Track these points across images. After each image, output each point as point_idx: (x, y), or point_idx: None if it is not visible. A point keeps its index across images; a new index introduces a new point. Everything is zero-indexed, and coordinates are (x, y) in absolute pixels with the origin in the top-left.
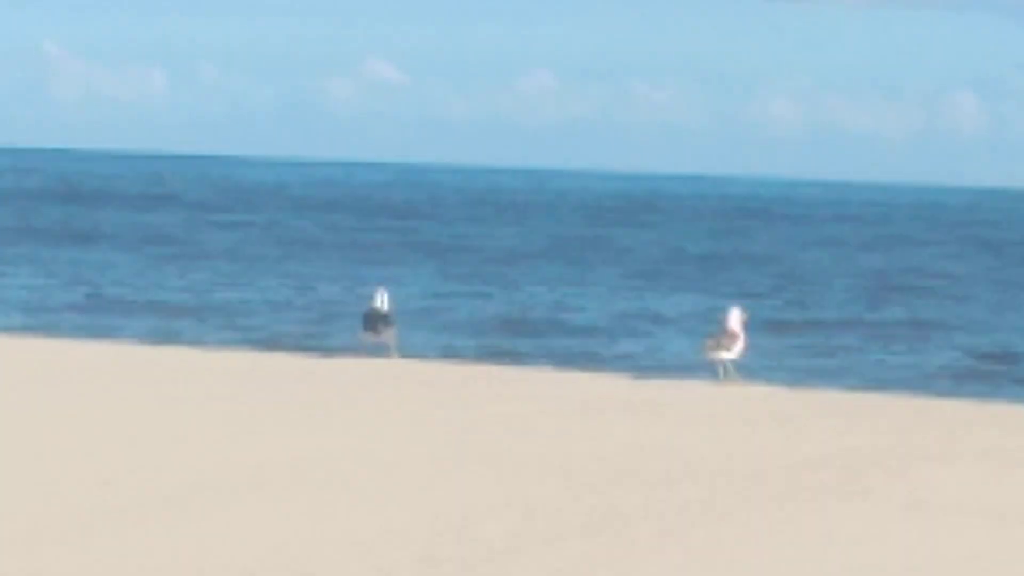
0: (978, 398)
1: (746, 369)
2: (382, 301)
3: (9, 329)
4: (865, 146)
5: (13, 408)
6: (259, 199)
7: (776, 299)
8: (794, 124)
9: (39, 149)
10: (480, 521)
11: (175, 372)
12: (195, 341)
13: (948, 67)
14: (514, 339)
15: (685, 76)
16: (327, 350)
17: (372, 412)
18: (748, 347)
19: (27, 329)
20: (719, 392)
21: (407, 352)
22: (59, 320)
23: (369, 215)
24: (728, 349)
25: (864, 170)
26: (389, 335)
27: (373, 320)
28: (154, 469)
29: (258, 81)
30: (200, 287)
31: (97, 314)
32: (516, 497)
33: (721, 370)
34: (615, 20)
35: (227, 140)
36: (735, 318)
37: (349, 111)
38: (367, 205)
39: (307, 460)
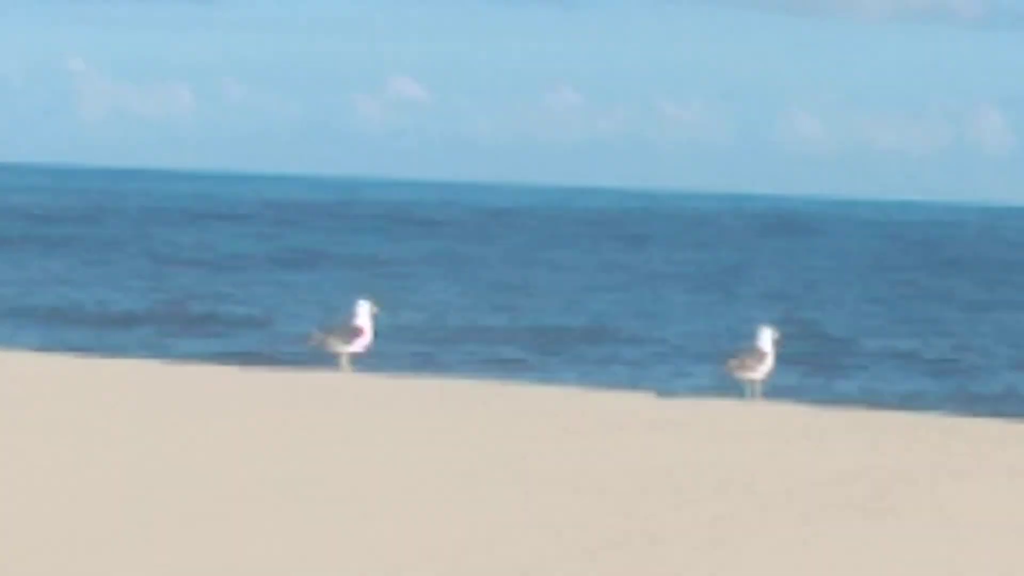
0: (1005, 416)
1: (769, 387)
2: (364, 314)
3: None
4: (892, 164)
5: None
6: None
7: (795, 317)
8: (820, 141)
9: (67, 167)
10: (508, 538)
11: (177, 388)
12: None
13: (975, 85)
14: (539, 353)
15: (711, 94)
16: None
17: (393, 428)
18: (775, 367)
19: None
20: (744, 410)
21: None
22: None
23: (396, 229)
24: (753, 369)
25: (891, 188)
26: (349, 348)
27: (348, 331)
28: (173, 485)
29: (283, 99)
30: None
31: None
32: (543, 514)
33: (747, 389)
34: (640, 38)
35: (253, 157)
36: (765, 338)
37: (374, 129)
38: (396, 220)
39: (330, 476)
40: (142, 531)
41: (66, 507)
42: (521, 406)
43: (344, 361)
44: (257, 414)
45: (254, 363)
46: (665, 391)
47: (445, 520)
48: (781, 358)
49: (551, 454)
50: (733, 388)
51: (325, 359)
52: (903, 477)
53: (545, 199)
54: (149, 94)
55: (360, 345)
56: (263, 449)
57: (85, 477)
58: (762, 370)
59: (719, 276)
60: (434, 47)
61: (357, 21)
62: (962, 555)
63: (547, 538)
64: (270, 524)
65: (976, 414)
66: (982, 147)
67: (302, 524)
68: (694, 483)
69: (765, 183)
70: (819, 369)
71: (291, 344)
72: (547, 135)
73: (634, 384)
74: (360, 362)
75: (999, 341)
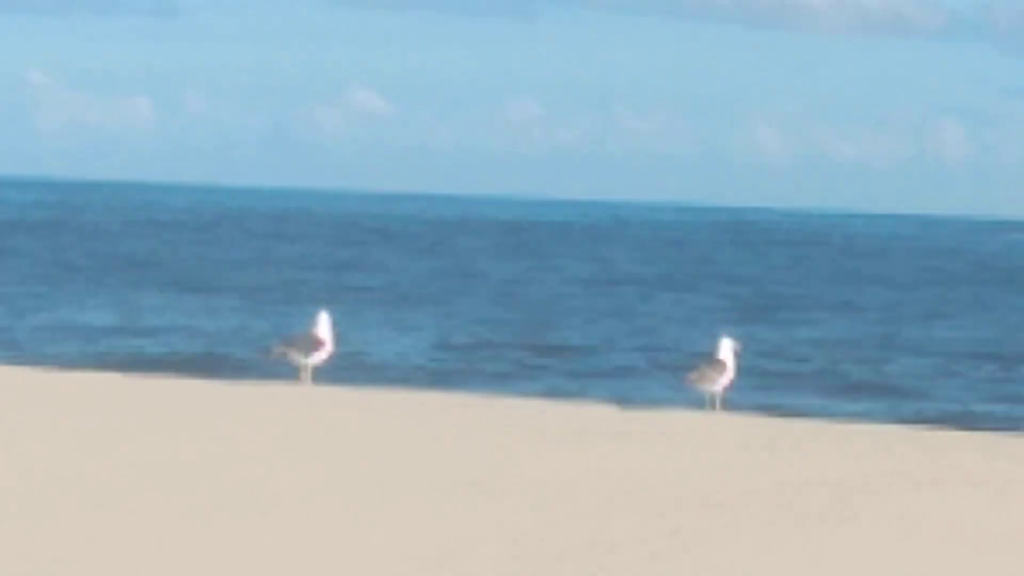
0: (965, 426)
1: (730, 398)
2: (324, 326)
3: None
4: (852, 175)
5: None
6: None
7: (756, 328)
8: (781, 153)
9: (26, 179)
10: (468, 548)
11: (136, 400)
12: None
13: (935, 96)
14: (500, 363)
15: (672, 106)
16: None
17: (355, 440)
18: (735, 378)
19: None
20: (705, 420)
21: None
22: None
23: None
24: (713, 380)
25: (851, 199)
26: (310, 360)
27: (308, 342)
28: (136, 501)
29: (244, 111)
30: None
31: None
32: (504, 524)
33: (707, 400)
34: (600, 50)
35: (213, 169)
36: (725, 348)
37: (335, 140)
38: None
39: (289, 490)
40: (109, 547)
41: (29, 520)
42: (482, 417)
43: (304, 373)
44: (221, 427)
45: (212, 369)
46: (626, 402)
47: (407, 531)
48: (741, 370)
49: (512, 464)
50: (694, 399)
51: (284, 369)
52: (862, 486)
53: (505, 210)
54: (109, 106)
55: (321, 356)
56: (227, 463)
57: (48, 491)
58: (722, 381)
59: (679, 287)
60: (395, 58)
61: (317, 33)
62: (920, 564)
63: (508, 548)
64: (235, 538)
65: (935, 426)
66: (942, 158)
67: (266, 538)
68: (655, 493)
69: (726, 195)
70: (779, 381)
71: (251, 353)
72: (508, 147)
73: (595, 395)
74: (321, 373)
75: (957, 354)
